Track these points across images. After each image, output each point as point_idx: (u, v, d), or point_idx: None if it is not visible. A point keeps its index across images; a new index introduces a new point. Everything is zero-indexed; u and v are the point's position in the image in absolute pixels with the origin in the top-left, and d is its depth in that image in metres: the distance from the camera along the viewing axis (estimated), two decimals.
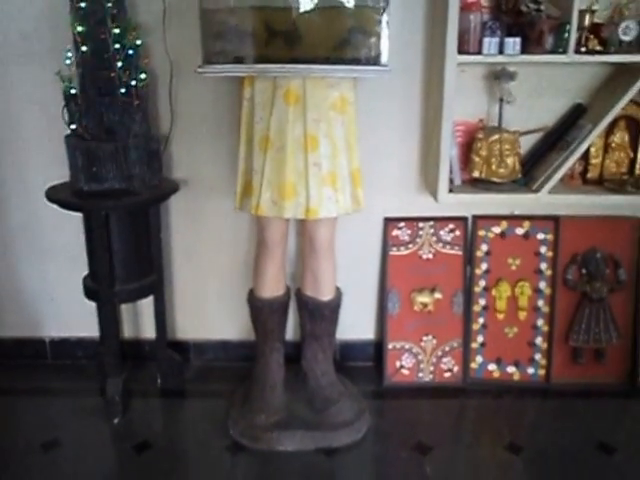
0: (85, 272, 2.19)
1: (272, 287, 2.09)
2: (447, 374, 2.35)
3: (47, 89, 2.13)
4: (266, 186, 1.86)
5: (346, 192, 1.91)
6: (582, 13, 2.01)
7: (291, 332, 2.36)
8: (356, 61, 1.80)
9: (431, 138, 2.20)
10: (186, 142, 2.25)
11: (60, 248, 2.38)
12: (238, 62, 1.80)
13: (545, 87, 2.21)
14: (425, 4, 2.12)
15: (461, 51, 1.98)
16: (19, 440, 2.07)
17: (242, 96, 1.89)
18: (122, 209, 2.02)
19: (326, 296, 2.09)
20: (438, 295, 2.32)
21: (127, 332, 2.48)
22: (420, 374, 2.35)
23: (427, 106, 2.22)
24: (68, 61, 2.00)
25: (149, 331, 2.39)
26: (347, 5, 1.76)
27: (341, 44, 1.79)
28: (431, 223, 2.32)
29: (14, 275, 2.46)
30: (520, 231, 2.32)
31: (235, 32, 1.79)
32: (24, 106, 2.25)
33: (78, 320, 2.43)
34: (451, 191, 2.09)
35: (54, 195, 2.03)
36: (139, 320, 2.47)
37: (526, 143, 2.25)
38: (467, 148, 2.23)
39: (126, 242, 2.08)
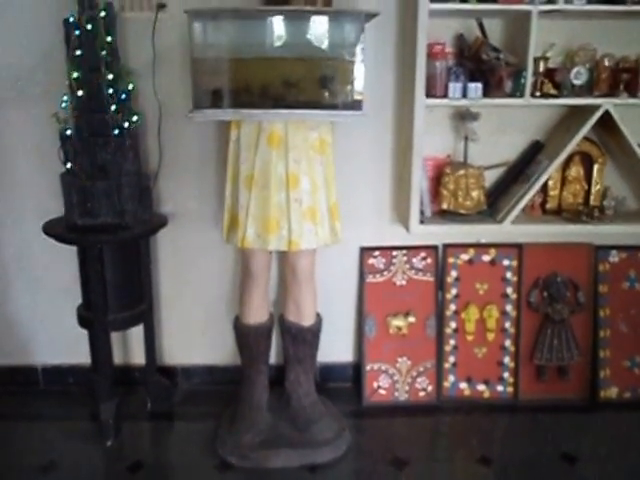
0: (75, 301, 2.30)
1: (257, 314, 2.23)
2: (422, 393, 2.50)
3: (42, 130, 2.27)
4: (251, 221, 2.01)
5: (325, 226, 2.07)
6: (537, 60, 2.22)
7: (275, 356, 2.50)
8: (334, 106, 1.98)
9: (402, 173, 2.38)
10: (173, 178, 2.40)
11: (52, 278, 2.49)
12: (225, 107, 1.96)
13: (506, 125, 2.41)
14: (395, 52, 2.32)
15: (429, 94, 2.18)
16: (16, 464, 2.16)
17: (229, 137, 2.05)
18: (115, 243, 2.15)
19: (307, 322, 2.23)
20: (412, 319, 2.47)
21: (117, 358, 2.58)
22: (396, 394, 2.49)
23: (398, 143, 2.41)
24: (64, 104, 2.14)
25: (138, 357, 2.51)
26: (325, 56, 1.94)
27: (320, 91, 1.96)
28: (404, 252, 2.49)
29: (7, 304, 2.55)
30: (487, 258, 2.50)
31: (223, 80, 1.95)
32: (20, 145, 2.37)
33: (69, 348, 2.53)
34: (422, 222, 2.27)
35: (51, 230, 2.15)
36: (129, 346, 2.58)
37: (490, 177, 2.45)
38: (436, 182, 2.41)
39: (118, 273, 2.20)
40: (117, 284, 2.21)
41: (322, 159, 2.05)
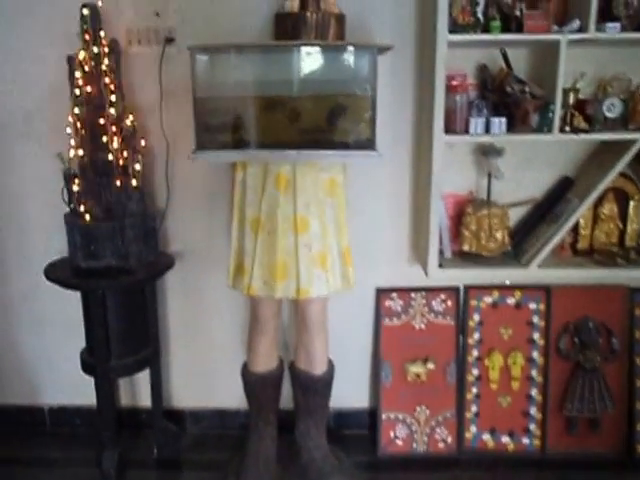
0: (82, 342, 2.22)
1: (265, 362, 2.12)
2: (441, 445, 2.34)
3: (48, 167, 2.21)
4: (258, 267, 1.90)
5: (336, 272, 1.95)
6: (566, 91, 2.07)
7: (285, 400, 2.37)
8: (346, 146, 1.86)
9: (422, 210, 2.25)
10: (182, 217, 2.31)
11: (59, 318, 2.42)
12: (230, 148, 1.86)
13: (532, 160, 2.26)
14: (412, 85, 2.19)
15: (448, 130, 2.04)
16: None
17: (234, 179, 1.96)
18: (119, 288, 2.07)
19: (318, 370, 2.11)
20: (431, 365, 2.33)
21: (124, 400, 2.50)
22: (414, 444, 2.34)
23: (417, 179, 2.27)
24: (71, 142, 2.08)
25: (145, 399, 2.41)
26: (337, 93, 1.83)
27: (331, 130, 1.85)
28: (423, 293, 2.35)
29: (14, 343, 2.50)
30: (511, 301, 2.34)
31: (227, 119, 1.86)
32: (26, 183, 2.32)
33: (76, 388, 2.45)
34: (441, 266, 2.13)
35: (53, 274, 2.09)
36: (135, 389, 2.49)
37: (515, 214, 2.29)
38: (457, 219, 2.27)
39: (122, 318, 2.12)
40: (121, 329, 2.12)
41: (333, 201, 1.93)
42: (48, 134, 2.23)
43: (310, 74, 1.82)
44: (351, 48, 1.84)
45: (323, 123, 1.84)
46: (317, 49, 1.83)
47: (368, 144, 1.84)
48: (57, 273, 2.09)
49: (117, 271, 2.07)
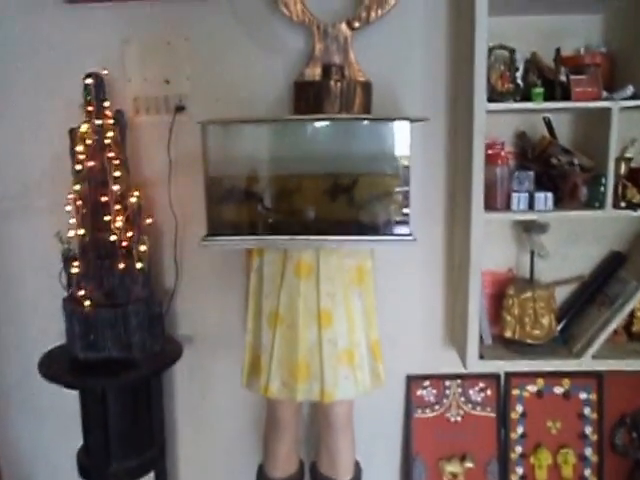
0: (80, 433, 1.99)
1: (283, 467, 1.88)
2: None
3: (46, 246, 2.00)
4: (276, 366, 1.68)
5: (365, 369, 1.72)
6: (617, 161, 1.85)
7: None
8: (376, 230, 1.65)
9: (456, 289, 2.03)
10: (191, 298, 2.10)
11: (57, 407, 2.18)
12: (246, 233, 1.66)
13: (579, 234, 2.03)
14: (445, 156, 2.00)
15: (487, 205, 1.83)
16: None
17: (250, 266, 1.75)
18: (120, 386, 1.85)
19: (344, 476, 1.86)
20: (469, 464, 2.06)
21: None
22: None
23: (450, 256, 2.06)
24: (71, 221, 1.90)
25: None
26: (365, 171, 1.64)
27: (358, 212, 1.65)
28: (459, 381, 2.10)
29: (8, 434, 2.27)
30: (559, 390, 2.09)
31: (243, 201, 1.67)
32: (26, 262, 2.14)
33: None
34: (482, 357, 1.89)
35: (48, 368, 1.87)
36: None
37: (560, 293, 2.05)
38: (496, 300, 2.04)
39: (124, 417, 1.88)
40: (123, 428, 1.89)
41: (361, 290, 1.71)
42: (47, 210, 2.05)
43: (336, 150, 1.64)
44: (384, 122, 1.66)
45: (350, 205, 1.65)
46: (344, 123, 1.65)
47: (401, 228, 1.64)
48: (52, 367, 1.87)
49: (119, 364, 1.85)
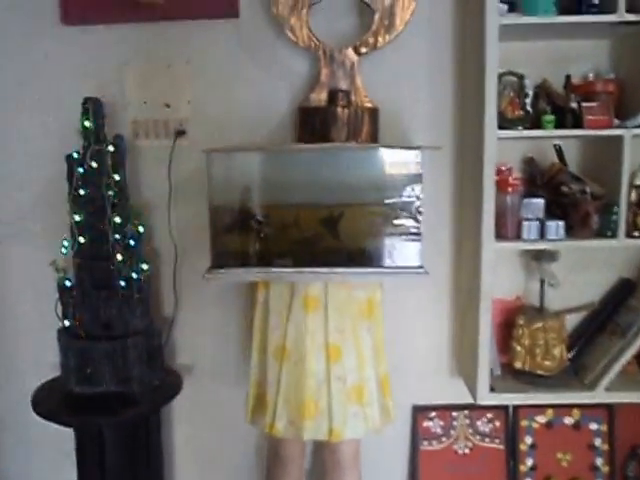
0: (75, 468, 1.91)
1: None
2: None
3: (41, 274, 1.92)
4: (282, 403, 1.62)
5: (374, 406, 1.66)
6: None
7: None
8: (386, 261, 1.60)
9: (465, 318, 1.97)
10: (191, 326, 2.03)
11: (50, 441, 2.09)
12: (251, 265, 1.61)
13: (588, 261, 1.98)
14: (451, 182, 1.95)
15: (497, 234, 1.79)
16: None
17: (255, 298, 1.69)
18: (118, 423, 1.77)
19: None
20: None
21: None
22: None
23: (458, 284, 2.01)
24: (64, 250, 1.83)
25: None
26: (374, 202, 1.59)
27: (367, 244, 1.60)
28: (466, 412, 2.05)
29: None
30: (569, 421, 2.04)
31: (248, 231, 1.61)
32: (20, 289, 2.07)
33: None
34: (493, 390, 1.84)
35: (41, 403, 1.79)
36: None
37: (570, 320, 2.00)
38: (503, 328, 1.99)
39: (121, 453, 1.80)
40: (119, 465, 1.80)
41: (370, 324, 1.66)
42: (42, 236, 1.98)
43: (344, 180, 1.59)
44: (395, 150, 1.61)
45: (359, 236, 1.60)
46: (352, 151, 1.61)
47: (412, 260, 1.59)
48: (46, 403, 1.79)
49: (116, 399, 1.77)
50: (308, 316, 1.60)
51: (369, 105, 1.77)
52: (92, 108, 1.78)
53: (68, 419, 1.75)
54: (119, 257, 1.78)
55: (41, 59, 1.94)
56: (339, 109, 1.69)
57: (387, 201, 1.59)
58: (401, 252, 1.59)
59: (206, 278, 1.59)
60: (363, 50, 1.77)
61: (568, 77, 1.80)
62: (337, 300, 1.61)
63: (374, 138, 1.75)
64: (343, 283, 1.61)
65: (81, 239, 1.79)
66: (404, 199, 1.58)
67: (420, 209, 1.57)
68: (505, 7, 1.71)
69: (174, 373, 1.97)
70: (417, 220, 1.58)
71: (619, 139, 1.74)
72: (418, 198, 1.57)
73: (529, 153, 1.94)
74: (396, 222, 1.59)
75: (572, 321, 2.03)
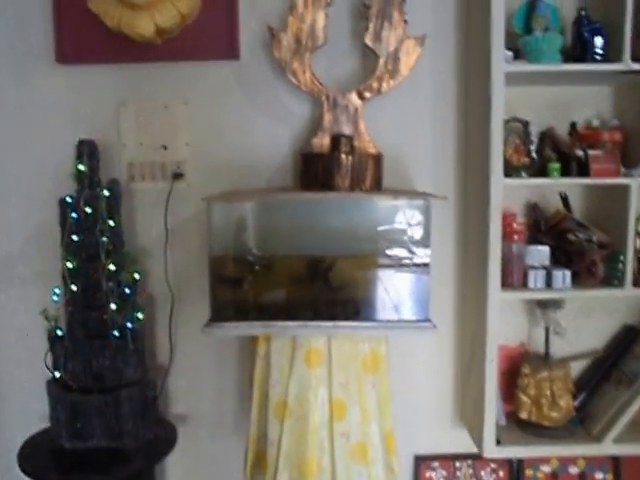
0: None
1: None
2: None
3: (32, 319, 1.83)
4: (284, 463, 1.55)
5: (378, 464, 1.60)
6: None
7: None
8: (392, 315, 1.55)
9: (469, 368, 1.92)
10: (186, 375, 1.96)
11: None
12: (252, 318, 1.55)
13: (591, 307, 1.95)
14: (454, 229, 1.92)
15: (502, 282, 1.74)
16: None
17: (255, 351, 1.63)
18: None
19: None
20: None
21: None
22: None
23: (461, 333, 1.96)
24: (56, 297, 1.76)
25: None
26: (380, 252, 1.55)
27: (373, 297, 1.56)
28: (470, 462, 1.99)
29: None
30: (574, 470, 1.99)
31: (249, 282, 1.56)
32: (5, 335, 1.97)
33: None
34: (499, 442, 1.78)
35: (28, 460, 1.69)
36: None
37: (574, 367, 1.96)
38: (507, 375, 1.95)
39: None
40: None
41: (375, 378, 1.61)
42: (32, 282, 1.91)
43: (350, 229, 1.55)
44: (402, 200, 1.57)
45: (365, 288, 1.55)
46: (356, 200, 1.57)
47: (419, 313, 1.54)
48: (34, 459, 1.70)
49: (108, 455, 1.69)
50: (311, 372, 1.54)
51: (373, 151, 1.74)
52: (86, 151, 1.73)
53: (56, 477, 1.66)
54: (113, 306, 1.71)
55: (35, 98, 1.89)
56: (342, 156, 1.65)
57: (393, 252, 1.54)
58: (409, 306, 1.54)
59: (205, 332, 1.53)
60: (367, 95, 1.74)
61: (573, 125, 1.78)
62: (341, 354, 1.55)
63: (378, 184, 1.71)
64: (347, 336, 1.56)
65: (73, 287, 1.72)
66: (411, 249, 1.55)
67: (428, 260, 1.53)
68: (511, 54, 1.70)
69: (169, 425, 1.89)
70: (425, 272, 1.54)
71: (626, 188, 1.72)
72: (426, 248, 1.53)
73: (533, 198, 1.92)
74: (402, 273, 1.55)
75: (576, 368, 1.99)
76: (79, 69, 1.87)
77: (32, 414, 1.91)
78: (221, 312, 1.54)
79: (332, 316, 1.52)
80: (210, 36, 1.84)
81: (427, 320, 1.53)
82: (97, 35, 1.83)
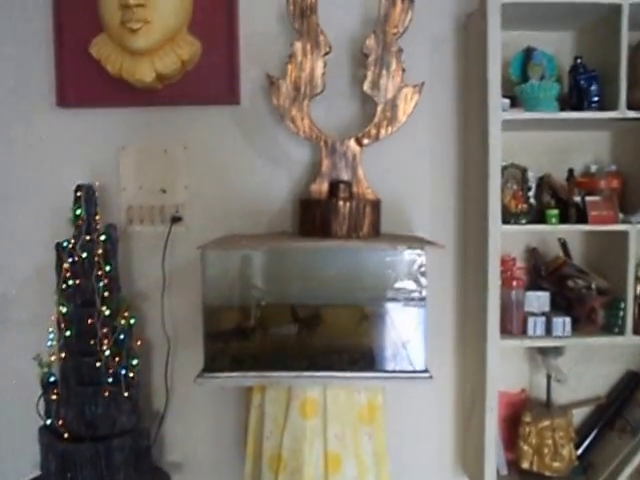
0: None
1: None
2: None
3: (25, 363, 1.80)
4: None
5: None
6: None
7: None
8: (388, 365, 1.53)
9: (469, 417, 1.88)
10: (182, 421, 1.93)
11: None
12: (247, 369, 1.52)
13: (593, 353, 1.93)
14: (453, 276, 1.91)
15: (502, 329, 1.73)
16: None
17: (250, 401, 1.60)
18: None
19: None
20: None
21: None
22: None
23: (461, 381, 1.94)
24: (49, 343, 1.74)
25: None
26: (377, 301, 1.53)
27: (369, 347, 1.53)
28: None
29: None
30: None
31: (244, 332, 1.54)
32: (2, 381, 1.94)
33: None
34: None
35: None
36: None
37: (576, 415, 1.93)
38: (508, 422, 1.91)
39: None
40: None
41: (372, 431, 1.57)
42: (28, 327, 1.89)
43: (346, 277, 1.54)
44: (401, 249, 1.56)
45: (361, 338, 1.53)
46: (354, 249, 1.56)
47: (416, 364, 1.52)
48: None
49: None
50: (306, 424, 1.51)
51: (371, 197, 1.74)
52: (84, 196, 1.74)
53: None
54: (107, 352, 1.70)
55: (34, 141, 1.90)
56: (340, 202, 1.64)
57: (390, 300, 1.53)
58: (405, 356, 1.52)
59: (198, 383, 1.51)
60: (365, 141, 1.75)
61: (571, 171, 1.78)
62: (337, 405, 1.52)
63: (376, 230, 1.70)
64: (343, 386, 1.53)
65: (67, 332, 1.71)
66: (407, 297, 1.53)
67: (424, 310, 1.52)
68: (507, 102, 1.72)
69: (163, 473, 1.85)
70: (421, 322, 1.52)
71: (624, 234, 1.71)
72: (422, 299, 1.52)
73: (533, 243, 1.91)
74: (399, 323, 1.53)
75: (579, 415, 1.95)
76: (80, 113, 1.89)
77: (26, 461, 1.87)
78: (215, 362, 1.52)
79: (328, 366, 1.50)
80: (210, 81, 1.86)
81: (424, 371, 1.51)
82: (98, 79, 1.85)
